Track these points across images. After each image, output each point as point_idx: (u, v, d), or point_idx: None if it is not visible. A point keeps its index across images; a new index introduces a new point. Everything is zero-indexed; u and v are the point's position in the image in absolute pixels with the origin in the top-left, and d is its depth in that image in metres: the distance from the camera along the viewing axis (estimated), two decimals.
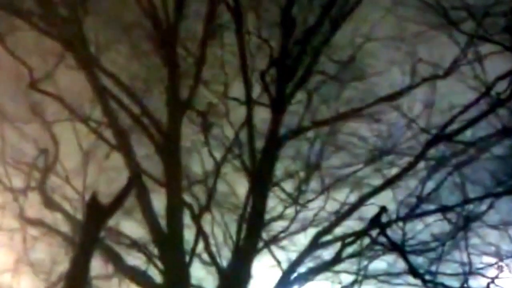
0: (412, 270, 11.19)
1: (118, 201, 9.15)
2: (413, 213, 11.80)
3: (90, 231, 8.98)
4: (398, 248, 11.18)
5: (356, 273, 11.48)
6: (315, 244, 11.86)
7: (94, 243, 9.01)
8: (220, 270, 11.80)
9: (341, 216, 11.99)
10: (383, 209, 11.26)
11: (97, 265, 11.93)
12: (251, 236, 11.83)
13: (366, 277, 11.96)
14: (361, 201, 11.91)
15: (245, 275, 11.65)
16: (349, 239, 11.49)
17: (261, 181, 12.10)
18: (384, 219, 11.72)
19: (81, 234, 9.00)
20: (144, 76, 12.31)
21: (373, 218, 11.23)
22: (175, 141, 12.21)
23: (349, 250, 11.76)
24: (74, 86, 11.73)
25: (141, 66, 12.30)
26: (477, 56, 12.18)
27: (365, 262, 11.59)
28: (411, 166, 11.83)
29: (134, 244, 12.01)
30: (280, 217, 12.34)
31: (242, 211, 11.77)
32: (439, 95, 12.45)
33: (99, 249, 11.86)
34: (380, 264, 12.07)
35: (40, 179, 12.23)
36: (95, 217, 9.02)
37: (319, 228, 12.11)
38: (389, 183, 11.84)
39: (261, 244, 12.13)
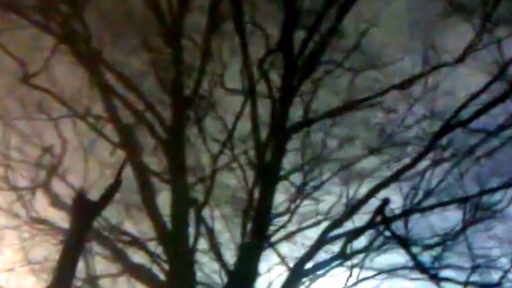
0: (418, 265, 10.36)
1: (106, 198, 8.59)
2: (427, 206, 10.95)
3: (77, 229, 8.41)
4: (403, 242, 10.34)
5: (353, 267, 10.64)
6: (323, 239, 11.07)
7: (82, 240, 8.44)
8: (226, 268, 11.11)
9: (350, 210, 11.17)
10: (385, 202, 10.42)
11: (103, 264, 11.57)
12: (258, 232, 11.12)
13: (382, 272, 11.23)
14: (371, 194, 11.10)
15: (252, 272, 10.96)
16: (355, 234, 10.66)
17: (268, 175, 11.39)
18: (396, 211, 10.95)
19: (68, 231, 8.42)
20: (146, 71, 11.69)
21: (376, 211, 10.40)
22: (179, 136, 11.61)
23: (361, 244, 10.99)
24: (73, 81, 11.18)
25: (142, 61, 11.68)
26: (491, 40, 11.25)
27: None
28: (422, 155, 11.00)
29: (137, 242, 11.36)
30: (287, 211, 11.54)
31: (247, 206, 11.03)
32: (456, 84, 11.57)
33: (104, 248, 11.52)
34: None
35: (46, 177, 11.74)
36: (83, 214, 8.46)
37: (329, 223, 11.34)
38: (399, 174, 11.00)
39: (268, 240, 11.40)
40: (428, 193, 10.75)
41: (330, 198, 11.52)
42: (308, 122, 11.69)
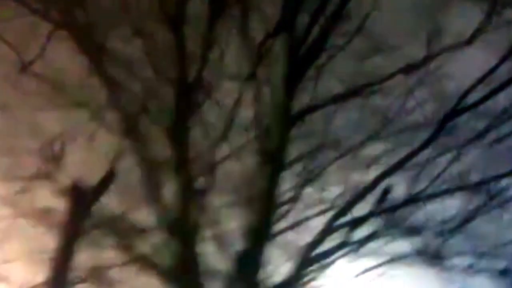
0: (422, 252, 10.08)
1: (101, 187, 8.40)
2: (433, 193, 10.62)
3: (73, 218, 8.24)
4: (407, 230, 10.06)
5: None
6: (329, 228, 10.80)
7: (79, 229, 8.27)
8: (231, 256, 10.89)
9: (356, 197, 10.87)
10: (387, 190, 10.11)
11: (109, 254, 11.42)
12: (263, 221, 10.88)
13: (389, 260, 10.97)
14: (377, 181, 10.78)
15: (258, 261, 10.71)
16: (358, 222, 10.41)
17: (274, 163, 11.13)
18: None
19: (64, 221, 8.24)
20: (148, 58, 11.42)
21: (378, 199, 10.11)
22: (183, 124, 11.37)
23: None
24: (74, 69, 10.95)
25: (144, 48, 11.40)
26: (501, 23, 10.88)
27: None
28: (429, 140, 10.63)
29: (141, 232, 11.16)
30: (293, 199, 11.28)
31: (251, 195, 10.78)
32: (464, 67, 11.19)
33: (109, 238, 11.36)
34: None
35: (52, 166, 11.53)
36: (78, 203, 8.29)
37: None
38: (405, 160, 10.66)
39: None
40: (433, 180, 10.43)
41: (336, 186, 11.24)
42: (314, 108, 11.42)
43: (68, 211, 8.32)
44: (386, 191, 10.22)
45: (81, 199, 8.30)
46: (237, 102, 10.80)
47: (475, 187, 10.49)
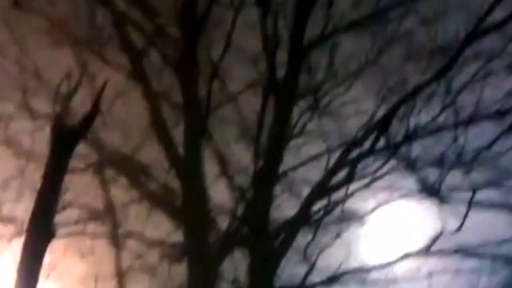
0: (423, 186, 9.24)
1: (86, 122, 7.93)
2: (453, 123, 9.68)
3: (57, 158, 7.83)
4: (409, 164, 9.22)
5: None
6: (343, 161, 10.10)
7: (64, 169, 7.85)
8: (240, 193, 10.40)
9: (369, 129, 10.06)
10: (385, 122, 9.22)
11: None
12: (273, 157, 10.30)
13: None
14: (392, 111, 9.90)
15: (267, 198, 10.20)
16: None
17: (284, 95, 10.46)
18: None
19: (48, 162, 7.83)
20: None
21: (377, 135, 9.27)
22: (192, 58, 10.76)
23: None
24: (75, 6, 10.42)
25: None
26: None
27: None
28: (446, 67, 9.60)
29: (148, 172, 10.76)
30: (301, 133, 10.57)
31: (257, 130, 10.16)
32: None
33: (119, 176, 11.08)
34: None
35: (64, 105, 11.16)
36: (62, 141, 7.85)
37: None
38: (421, 88, 9.71)
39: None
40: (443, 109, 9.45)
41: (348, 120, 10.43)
42: (326, 37, 10.55)
43: (52, 148, 7.89)
44: (384, 123, 9.34)
45: (64, 135, 7.84)
46: (233, 28, 9.99)
47: (490, 118, 9.49)
